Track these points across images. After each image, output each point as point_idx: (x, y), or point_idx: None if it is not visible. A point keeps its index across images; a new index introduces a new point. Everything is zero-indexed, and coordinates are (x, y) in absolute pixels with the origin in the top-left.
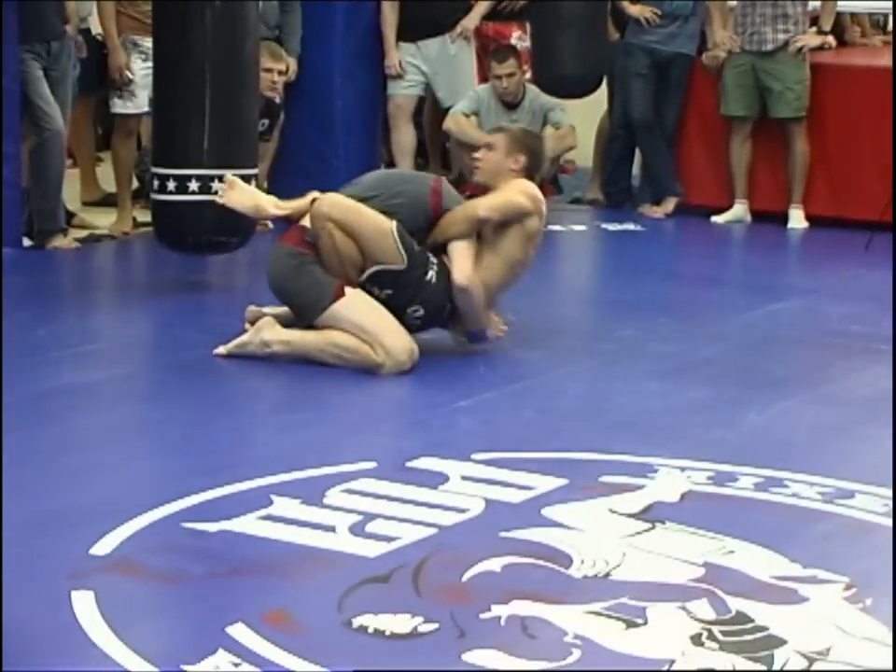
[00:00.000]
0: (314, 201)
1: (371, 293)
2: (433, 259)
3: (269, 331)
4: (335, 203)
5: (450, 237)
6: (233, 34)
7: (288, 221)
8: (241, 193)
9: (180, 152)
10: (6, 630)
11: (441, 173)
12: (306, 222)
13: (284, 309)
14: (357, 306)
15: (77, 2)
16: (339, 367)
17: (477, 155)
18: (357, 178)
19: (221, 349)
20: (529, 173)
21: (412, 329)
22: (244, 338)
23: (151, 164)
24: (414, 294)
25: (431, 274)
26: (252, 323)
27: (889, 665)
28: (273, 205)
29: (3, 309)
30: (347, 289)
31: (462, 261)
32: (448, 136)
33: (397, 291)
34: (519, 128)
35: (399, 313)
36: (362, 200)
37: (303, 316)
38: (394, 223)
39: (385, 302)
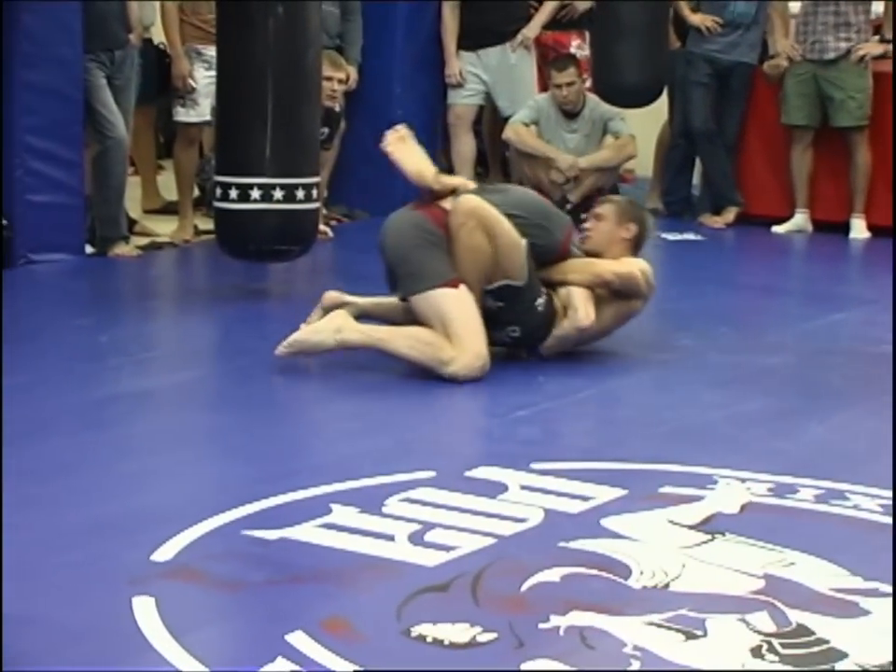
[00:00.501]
0: (454, 191)
1: (483, 303)
2: (544, 290)
3: (342, 318)
4: (480, 204)
5: (568, 282)
6: (295, 42)
7: (434, 196)
8: (410, 151)
9: (242, 160)
10: (67, 635)
11: (501, 181)
12: (449, 205)
13: (365, 300)
14: (457, 302)
15: (140, 8)
16: (405, 360)
17: (587, 225)
18: (497, 184)
19: (287, 344)
20: (638, 241)
21: (498, 344)
22: (317, 324)
23: (214, 172)
24: (520, 315)
25: (540, 302)
26: (326, 309)
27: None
28: (434, 178)
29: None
30: (461, 285)
31: (588, 306)
32: (508, 146)
33: (507, 307)
34: (625, 199)
35: (497, 327)
36: (504, 215)
37: (405, 285)
38: (525, 241)
39: (492, 314)
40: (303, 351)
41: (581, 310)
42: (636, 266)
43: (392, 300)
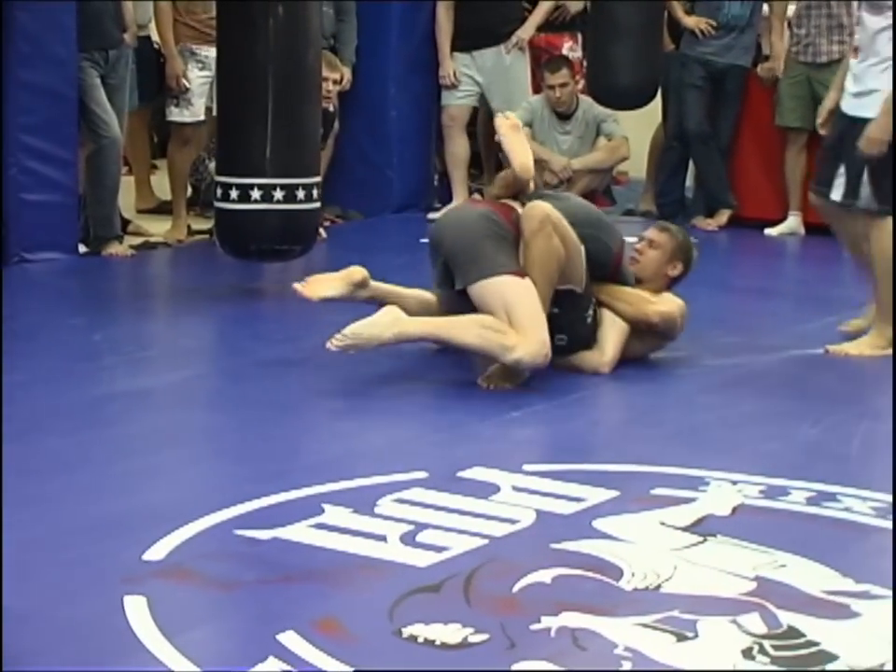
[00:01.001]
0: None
1: None
2: (594, 303)
3: (395, 311)
4: (553, 209)
5: (615, 310)
6: (296, 43)
7: (514, 188)
8: (521, 141)
9: (243, 161)
10: (59, 633)
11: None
12: (515, 204)
13: (384, 286)
14: (523, 290)
15: (134, 10)
16: (467, 349)
17: (638, 247)
18: (557, 191)
19: (341, 336)
20: (677, 280)
21: None
22: (371, 318)
23: (215, 173)
24: (572, 323)
25: (590, 314)
26: (353, 282)
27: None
28: (529, 175)
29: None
30: (526, 277)
31: (615, 350)
32: (501, 147)
33: (562, 313)
34: (683, 234)
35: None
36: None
37: (467, 272)
38: (583, 248)
39: (547, 319)
40: (357, 344)
41: (607, 356)
42: (677, 308)
43: (413, 292)
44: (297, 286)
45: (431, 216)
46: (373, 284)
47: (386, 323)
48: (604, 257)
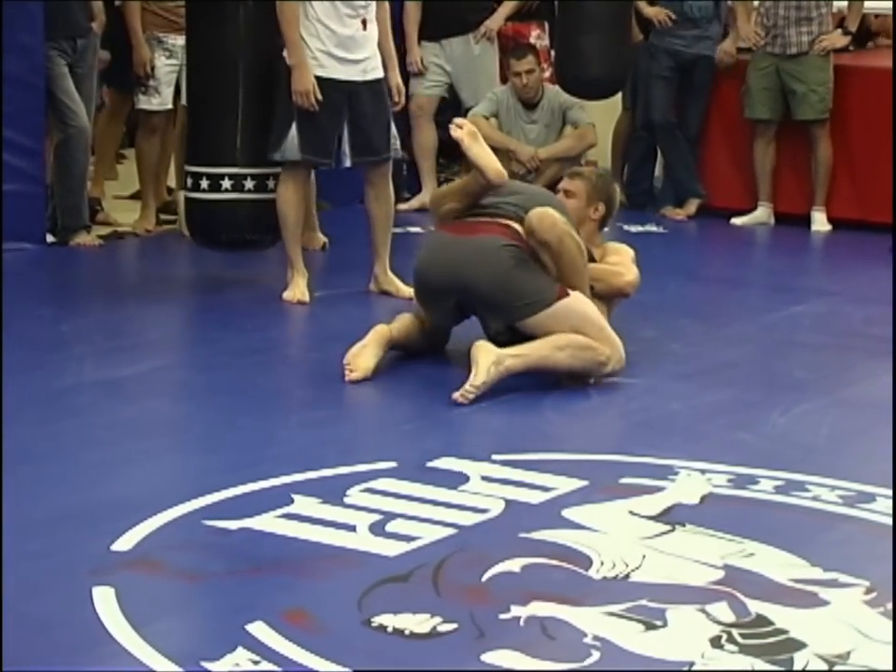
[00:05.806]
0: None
1: None
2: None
3: (493, 351)
4: (554, 211)
5: (584, 290)
6: (266, 32)
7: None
8: (484, 147)
9: (213, 151)
10: (27, 625)
11: (463, 174)
12: (504, 220)
13: (396, 328)
14: (582, 307)
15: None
16: (559, 371)
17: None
18: (515, 183)
19: (468, 392)
20: (604, 222)
21: None
22: (479, 366)
23: (185, 162)
24: None
25: None
26: (385, 341)
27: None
28: (504, 178)
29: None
30: (569, 290)
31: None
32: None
33: None
34: (596, 174)
35: None
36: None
37: (518, 313)
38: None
39: None
40: (480, 392)
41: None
42: (635, 272)
43: (407, 318)
44: (347, 376)
45: (401, 206)
46: (392, 334)
47: (492, 364)
48: None
